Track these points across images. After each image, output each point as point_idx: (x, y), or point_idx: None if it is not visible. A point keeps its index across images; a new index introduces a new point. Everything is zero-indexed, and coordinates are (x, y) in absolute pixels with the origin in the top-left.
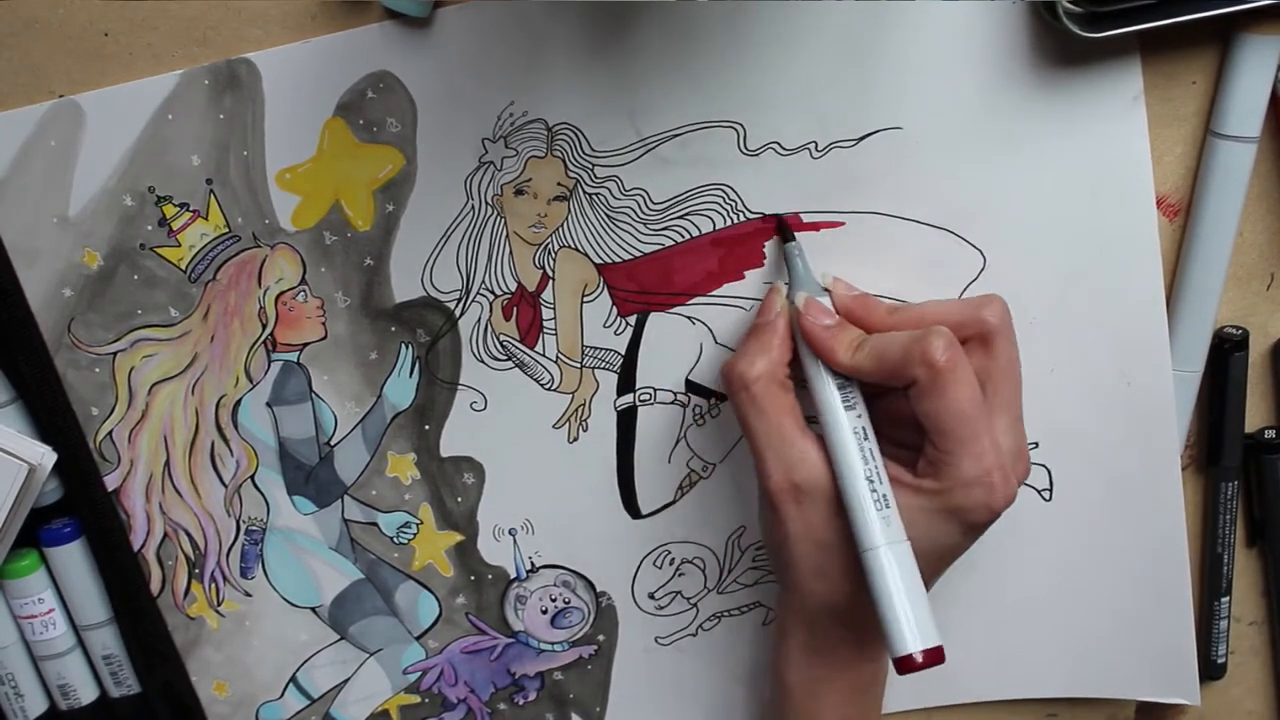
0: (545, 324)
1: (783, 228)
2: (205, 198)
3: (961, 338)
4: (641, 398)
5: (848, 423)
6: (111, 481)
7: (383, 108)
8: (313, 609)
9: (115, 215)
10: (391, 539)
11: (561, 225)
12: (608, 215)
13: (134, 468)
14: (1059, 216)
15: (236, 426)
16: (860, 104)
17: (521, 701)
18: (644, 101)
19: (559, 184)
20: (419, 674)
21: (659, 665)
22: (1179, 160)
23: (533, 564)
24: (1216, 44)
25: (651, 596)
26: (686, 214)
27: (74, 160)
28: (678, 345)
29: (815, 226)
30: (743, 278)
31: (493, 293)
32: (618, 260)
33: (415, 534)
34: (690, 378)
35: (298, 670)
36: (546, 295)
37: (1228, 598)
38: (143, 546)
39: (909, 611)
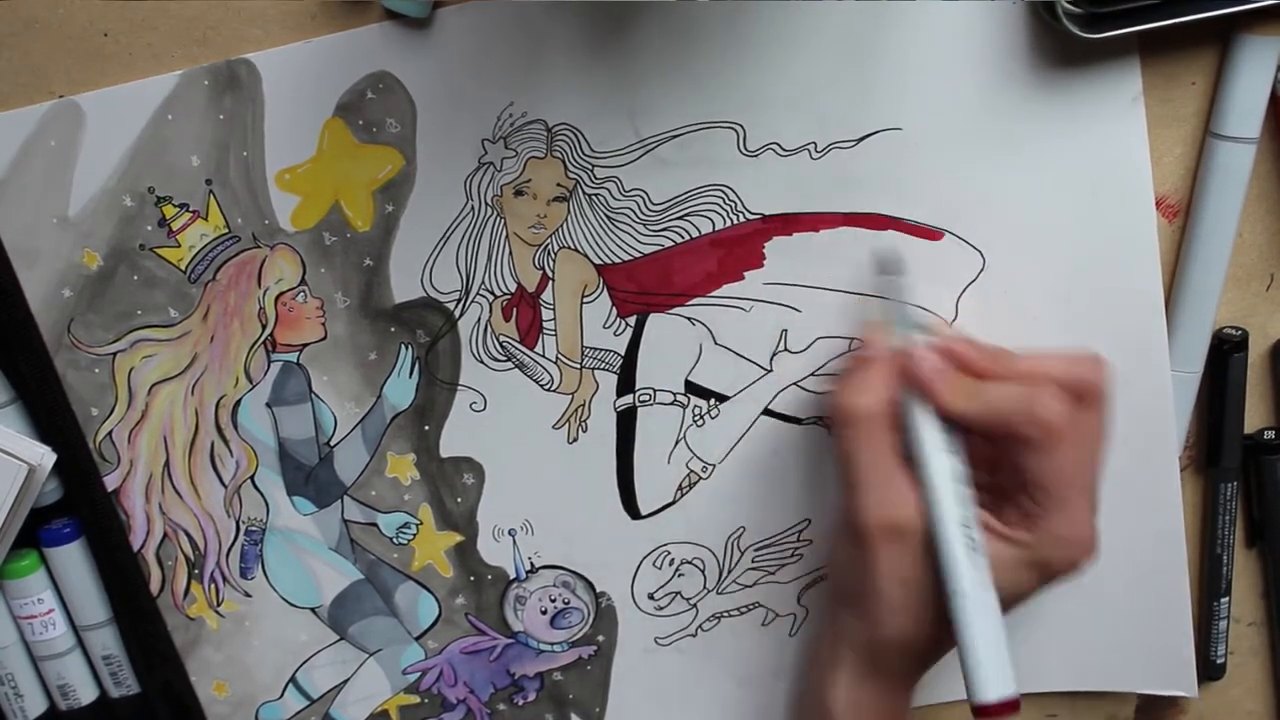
0: (545, 325)
1: (889, 259)
2: (205, 198)
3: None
4: (641, 398)
5: (948, 467)
6: (111, 482)
7: (382, 108)
8: (312, 609)
9: (115, 215)
10: (391, 539)
11: (561, 226)
12: (607, 216)
13: (134, 468)
14: (1058, 217)
15: (236, 427)
16: (860, 104)
17: (521, 702)
18: (644, 102)
19: (559, 185)
20: (418, 674)
21: (659, 666)
22: (1178, 161)
23: (532, 564)
24: (1216, 44)
25: (651, 597)
26: (686, 215)
27: (74, 160)
28: (677, 346)
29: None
30: (742, 278)
31: (492, 293)
32: (617, 261)
33: (415, 534)
34: (690, 378)
35: (297, 670)
36: (546, 296)
37: (1227, 598)
38: (142, 547)
39: (992, 659)
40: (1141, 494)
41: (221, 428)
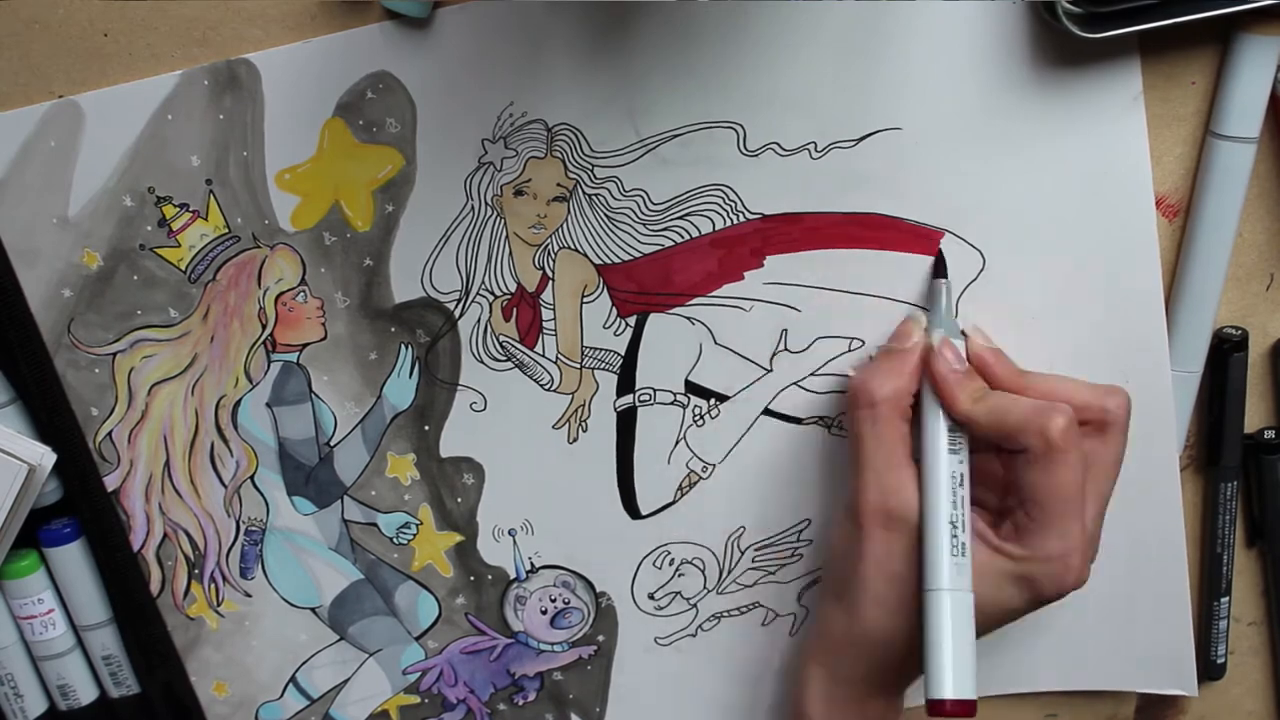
0: (545, 325)
1: (939, 262)
2: (205, 198)
3: (1082, 419)
4: (641, 398)
5: (948, 465)
6: (111, 482)
7: (382, 108)
8: (312, 609)
9: (115, 216)
10: (391, 539)
11: (561, 226)
12: (607, 216)
13: (134, 468)
14: (1058, 216)
15: (236, 427)
16: (860, 104)
17: (521, 702)
18: (644, 102)
19: (559, 184)
20: (418, 674)
21: (659, 665)
22: (1178, 160)
23: (532, 564)
24: (1216, 44)
25: (651, 597)
26: (686, 214)
27: (74, 160)
28: (677, 346)
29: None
30: (742, 278)
31: (492, 293)
32: (617, 261)
33: (415, 534)
34: (690, 378)
35: (297, 671)
36: (546, 296)
37: (1227, 598)
38: (142, 547)
39: (954, 659)
40: (1141, 494)
41: (221, 428)
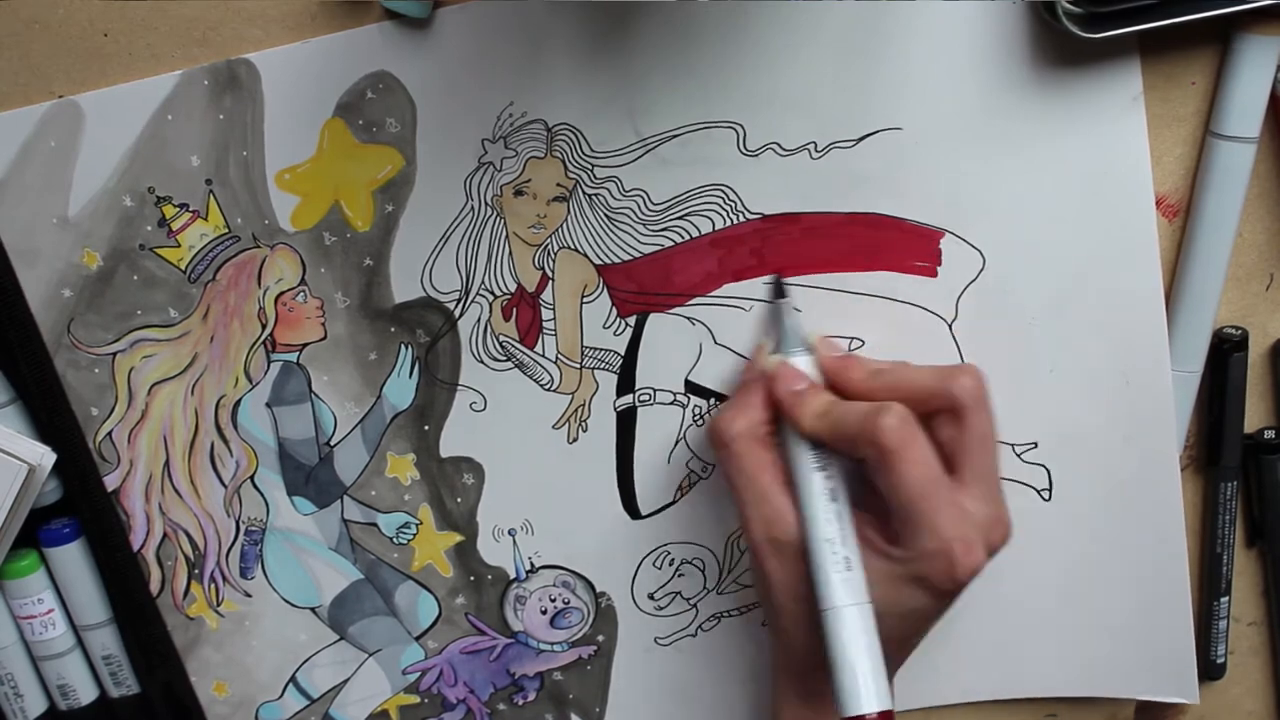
0: (545, 325)
1: (778, 285)
2: (205, 198)
3: (934, 408)
4: (641, 398)
5: (816, 485)
6: (111, 482)
7: (382, 108)
8: (312, 609)
9: (115, 216)
10: (391, 539)
11: (561, 226)
12: (607, 216)
13: (133, 468)
14: (1058, 216)
15: (236, 427)
16: (860, 104)
17: (521, 702)
18: (644, 102)
19: (558, 184)
20: (418, 674)
21: (658, 665)
22: (1178, 160)
23: (532, 564)
24: (1216, 44)
25: (651, 597)
26: (686, 214)
27: (73, 160)
28: (677, 346)
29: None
30: (742, 278)
31: (492, 293)
32: (617, 261)
33: (415, 534)
34: (690, 378)
35: (297, 670)
36: (546, 296)
37: (1227, 598)
38: (142, 547)
39: (862, 672)
40: (1141, 493)
41: (221, 428)
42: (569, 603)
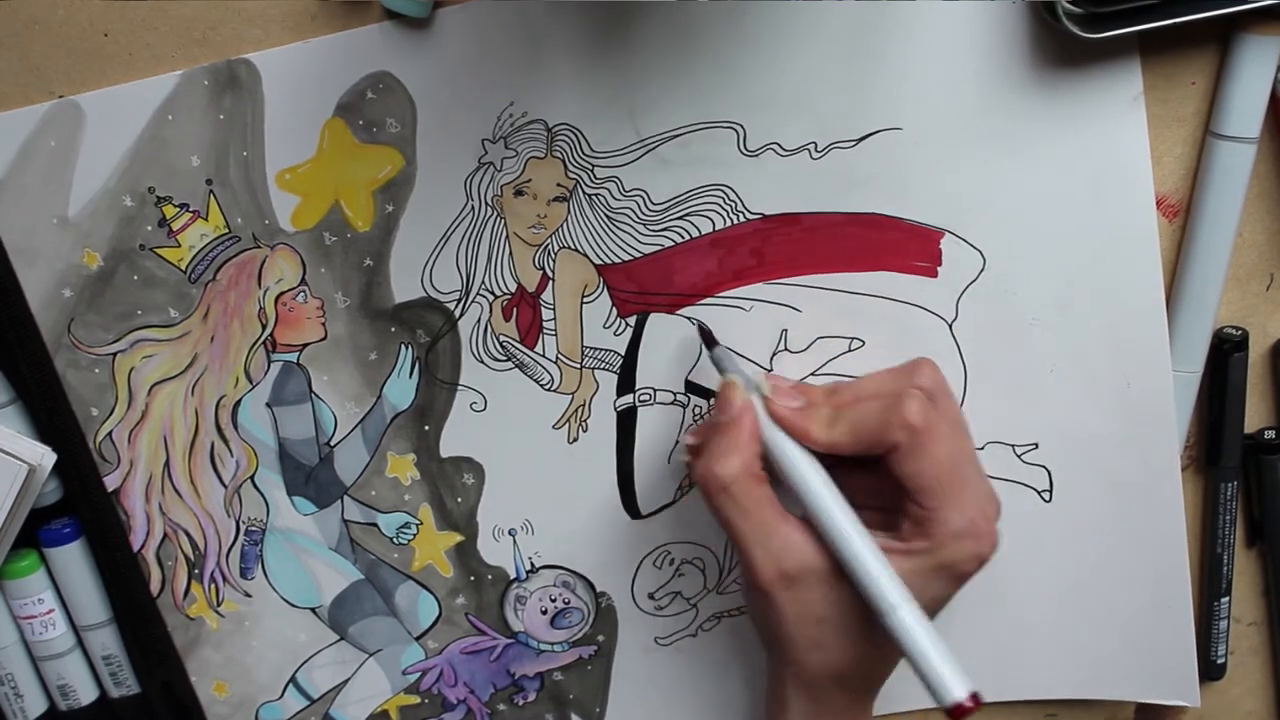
0: (545, 325)
1: (704, 334)
2: (205, 198)
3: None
4: (641, 398)
5: (830, 499)
6: (111, 482)
7: (382, 108)
8: (312, 609)
9: (115, 216)
10: (391, 539)
11: (561, 226)
12: (607, 216)
13: (134, 468)
14: (1058, 216)
15: (236, 427)
16: (860, 104)
17: (521, 702)
18: (644, 102)
19: (559, 184)
20: (418, 674)
21: (659, 665)
22: (1179, 161)
23: (532, 564)
24: (1216, 44)
25: (651, 597)
26: (686, 214)
27: (74, 160)
28: (678, 346)
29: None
30: (743, 279)
31: (492, 293)
32: (617, 261)
33: (415, 534)
34: (690, 378)
35: (297, 671)
36: (546, 296)
37: (1227, 598)
38: (142, 547)
39: (946, 660)
40: (1142, 494)
41: (221, 428)
42: (569, 603)
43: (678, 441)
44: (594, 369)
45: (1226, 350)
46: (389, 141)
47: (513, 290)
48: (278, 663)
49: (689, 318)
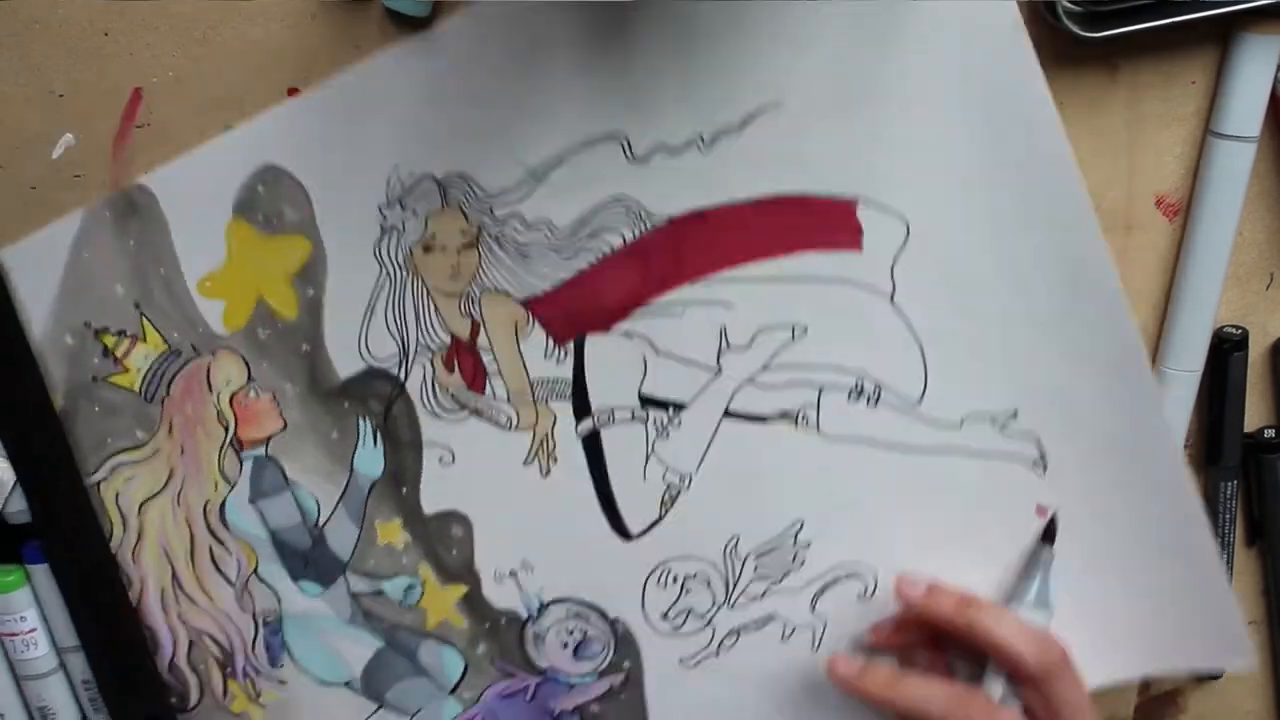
0: (489, 368)
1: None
2: (138, 321)
3: (1022, 675)
4: (600, 420)
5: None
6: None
7: (276, 198)
8: (345, 684)
9: (62, 356)
10: (400, 603)
11: (478, 271)
12: (519, 252)
13: (145, 585)
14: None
15: (228, 527)
16: (735, 88)
17: None
18: (521, 134)
19: (463, 231)
20: None
21: (690, 687)
22: (1178, 160)
23: (541, 601)
24: (1216, 44)
25: (665, 617)
26: (595, 233)
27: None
28: (621, 363)
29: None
30: (668, 285)
31: (430, 349)
32: (541, 293)
33: (421, 594)
34: (642, 392)
35: None
36: (482, 341)
37: None
38: (173, 657)
39: None
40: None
41: (214, 531)
42: (586, 633)
43: (649, 456)
44: (547, 399)
45: (1226, 350)
46: (292, 229)
47: (449, 342)
48: None
49: (627, 333)
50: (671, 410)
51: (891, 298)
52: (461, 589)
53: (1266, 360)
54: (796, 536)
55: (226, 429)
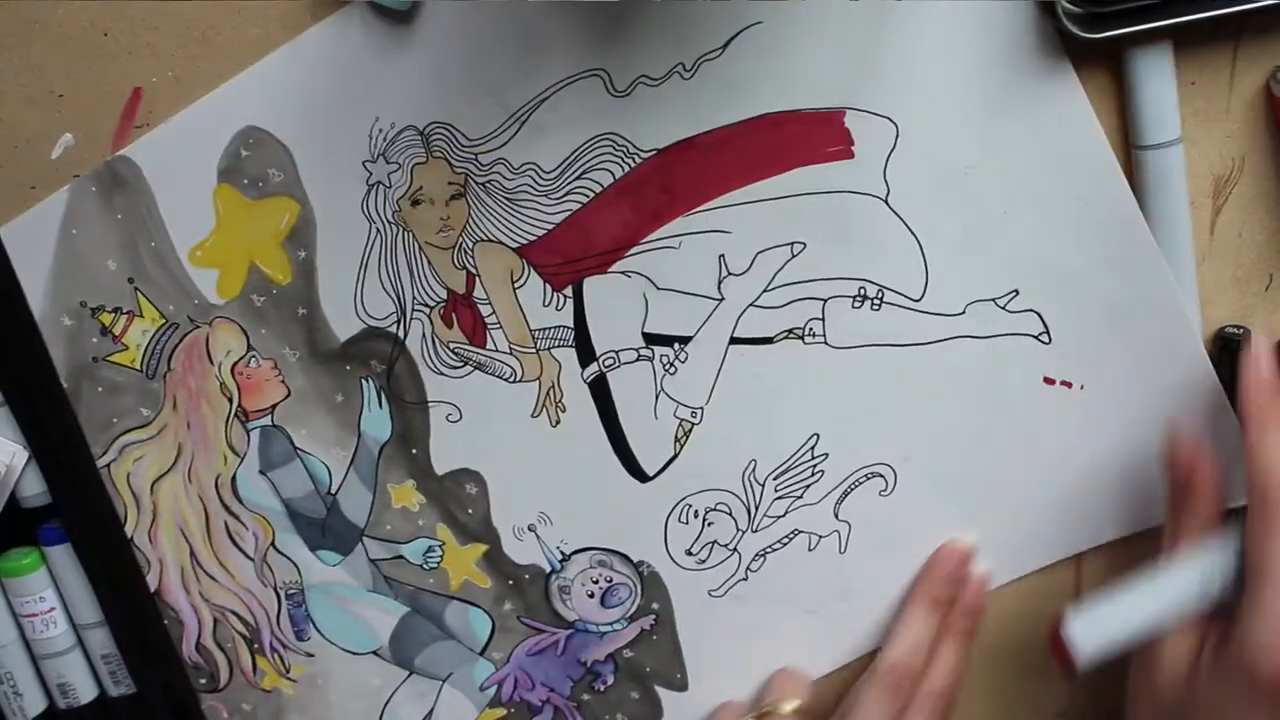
0: (488, 321)
1: None
2: (133, 296)
3: None
4: (605, 363)
5: None
6: (152, 582)
7: (260, 161)
8: (374, 652)
9: (60, 338)
10: (421, 566)
11: (468, 221)
12: (508, 198)
13: (164, 566)
14: (954, 58)
15: (241, 501)
16: (714, 10)
17: (602, 687)
18: (500, 77)
19: (450, 182)
20: (495, 687)
21: (722, 617)
22: None
23: (563, 553)
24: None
25: (689, 553)
26: (583, 173)
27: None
28: (622, 303)
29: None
30: (661, 218)
31: (427, 305)
32: (534, 238)
33: (441, 555)
34: (646, 330)
35: (382, 713)
36: (479, 293)
37: None
38: (199, 637)
39: None
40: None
41: (228, 505)
42: (612, 580)
43: (658, 394)
44: (550, 348)
45: (1226, 350)
46: (278, 191)
47: (445, 297)
48: (362, 712)
49: (625, 272)
50: (677, 345)
51: (886, 200)
52: (481, 548)
53: None
54: (813, 450)
55: (230, 400)
